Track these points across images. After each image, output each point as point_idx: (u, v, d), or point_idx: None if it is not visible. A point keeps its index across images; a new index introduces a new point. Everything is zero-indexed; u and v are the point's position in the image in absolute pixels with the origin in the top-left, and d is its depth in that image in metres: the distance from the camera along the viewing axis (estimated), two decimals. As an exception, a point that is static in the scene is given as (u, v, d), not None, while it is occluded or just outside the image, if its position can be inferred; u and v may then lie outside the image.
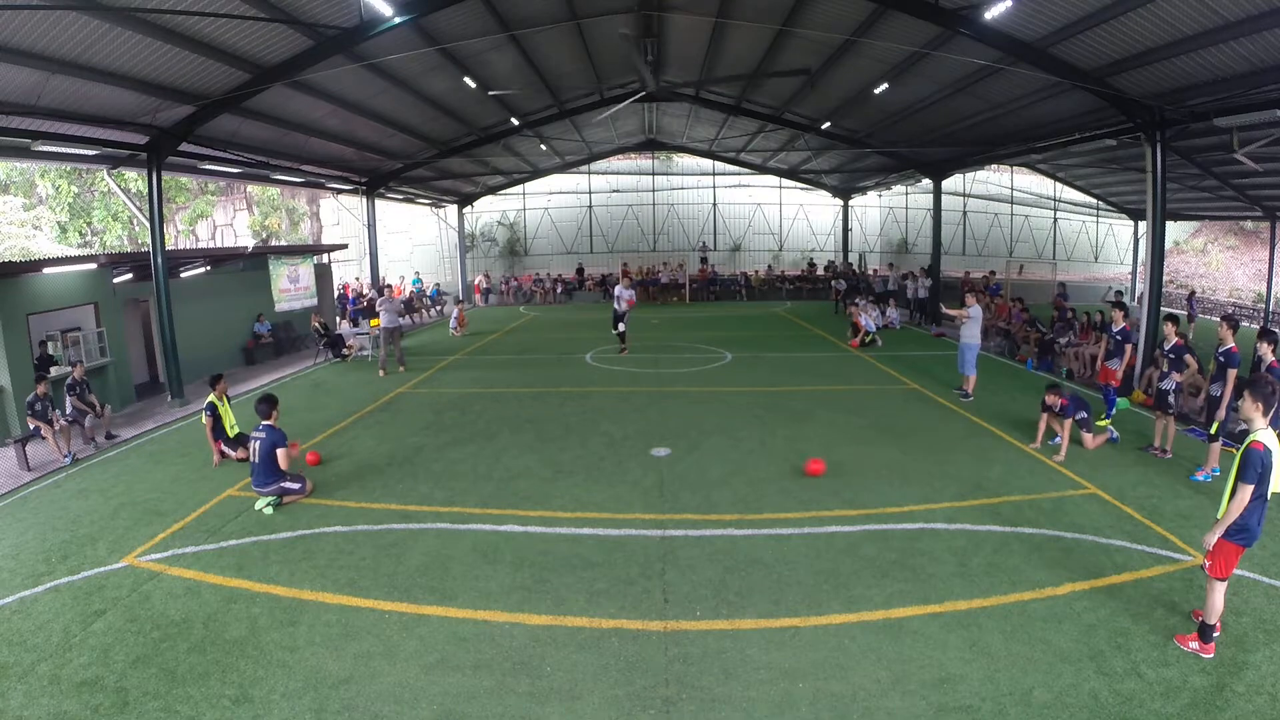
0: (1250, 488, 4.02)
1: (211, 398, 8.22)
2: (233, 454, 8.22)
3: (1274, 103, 9.31)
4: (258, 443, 6.81)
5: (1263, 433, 4.11)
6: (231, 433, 8.37)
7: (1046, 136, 14.66)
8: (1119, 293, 21.12)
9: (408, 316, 22.21)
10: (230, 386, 12.82)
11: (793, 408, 10.20)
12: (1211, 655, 4.18)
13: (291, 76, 11.10)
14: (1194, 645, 4.24)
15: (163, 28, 8.84)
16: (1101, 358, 9.55)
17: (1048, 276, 24.81)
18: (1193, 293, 23.35)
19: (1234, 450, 4.25)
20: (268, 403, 7.18)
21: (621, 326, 15.02)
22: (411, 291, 24.71)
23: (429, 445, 8.77)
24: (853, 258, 29.68)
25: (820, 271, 28.75)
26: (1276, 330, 7.39)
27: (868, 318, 16.25)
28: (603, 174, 29.93)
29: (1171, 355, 8.04)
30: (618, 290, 15.09)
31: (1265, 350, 7.04)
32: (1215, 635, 4.25)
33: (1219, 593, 4.18)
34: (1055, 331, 13.74)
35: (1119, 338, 9.00)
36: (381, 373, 13.57)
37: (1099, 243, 30.57)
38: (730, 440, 8.65)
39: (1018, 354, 14.43)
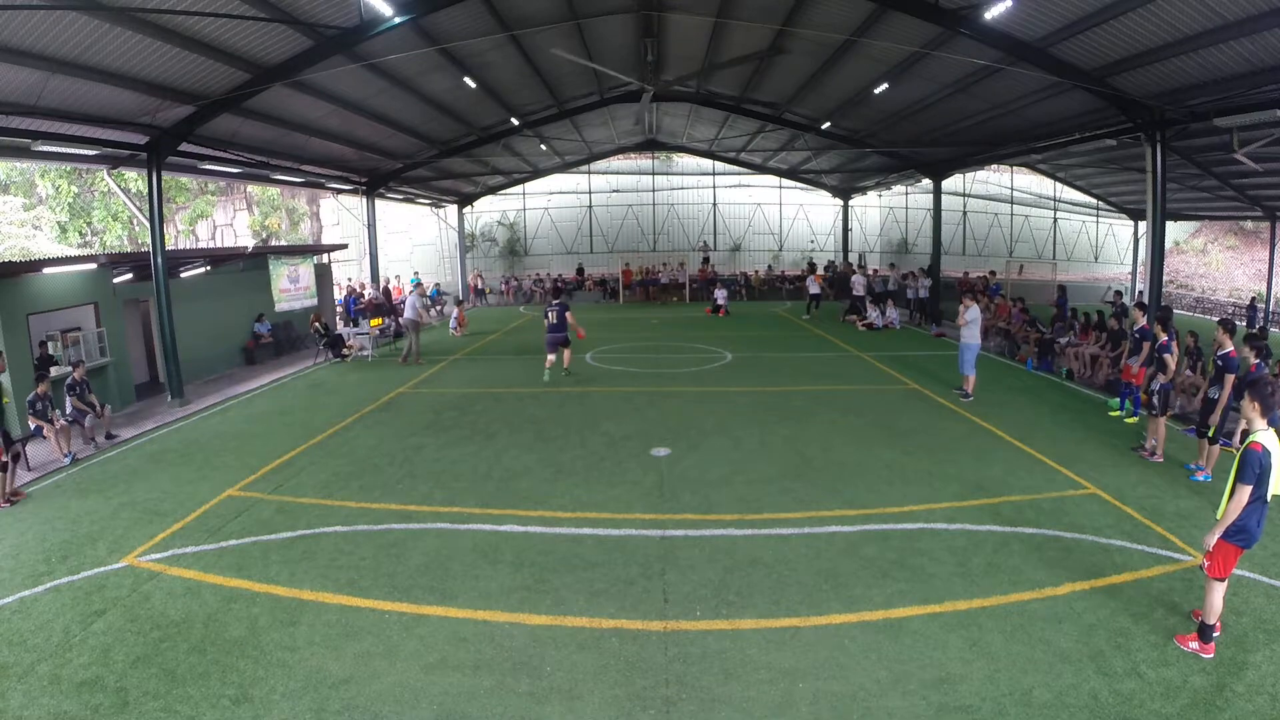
0: (1248, 488, 4.03)
1: None
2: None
3: (1274, 103, 9.32)
4: (555, 309, 12.11)
5: (1261, 433, 4.11)
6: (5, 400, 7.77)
7: (1046, 136, 14.66)
8: (1119, 293, 21.05)
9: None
10: (231, 386, 12.94)
11: (793, 407, 10.20)
12: (1211, 655, 4.18)
13: (291, 76, 11.10)
14: (1194, 645, 4.24)
15: (163, 28, 8.84)
16: (1125, 357, 9.60)
17: (1048, 276, 24.82)
18: (1254, 299, 22.34)
19: (1234, 450, 4.25)
20: (559, 291, 13.64)
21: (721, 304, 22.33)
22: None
23: (429, 445, 8.77)
24: (852, 257, 29.68)
25: (820, 271, 28.72)
26: (1234, 323, 7.60)
27: (815, 283, 22.14)
28: (603, 174, 29.93)
29: (1156, 354, 8.15)
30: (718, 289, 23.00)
31: (1249, 354, 7.19)
32: (1215, 635, 4.25)
33: (1218, 593, 4.18)
34: (1055, 331, 13.75)
35: (1138, 335, 9.03)
36: (419, 362, 14.67)
37: (1099, 243, 30.57)
38: (730, 440, 8.65)
39: (1018, 354, 14.43)
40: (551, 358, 12.24)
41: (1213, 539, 4.19)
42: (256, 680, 4.14)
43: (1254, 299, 22.19)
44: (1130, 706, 3.77)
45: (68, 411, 9.28)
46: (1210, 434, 7.26)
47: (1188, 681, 3.97)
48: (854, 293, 20.30)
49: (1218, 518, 4.22)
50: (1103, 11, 9.02)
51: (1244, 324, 18.85)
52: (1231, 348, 7.36)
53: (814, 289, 22.47)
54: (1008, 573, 5.25)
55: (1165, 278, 16.52)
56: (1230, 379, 7.22)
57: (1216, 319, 9.95)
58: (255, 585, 5.28)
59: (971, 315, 10.51)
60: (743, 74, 17.05)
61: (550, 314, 12.15)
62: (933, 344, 16.33)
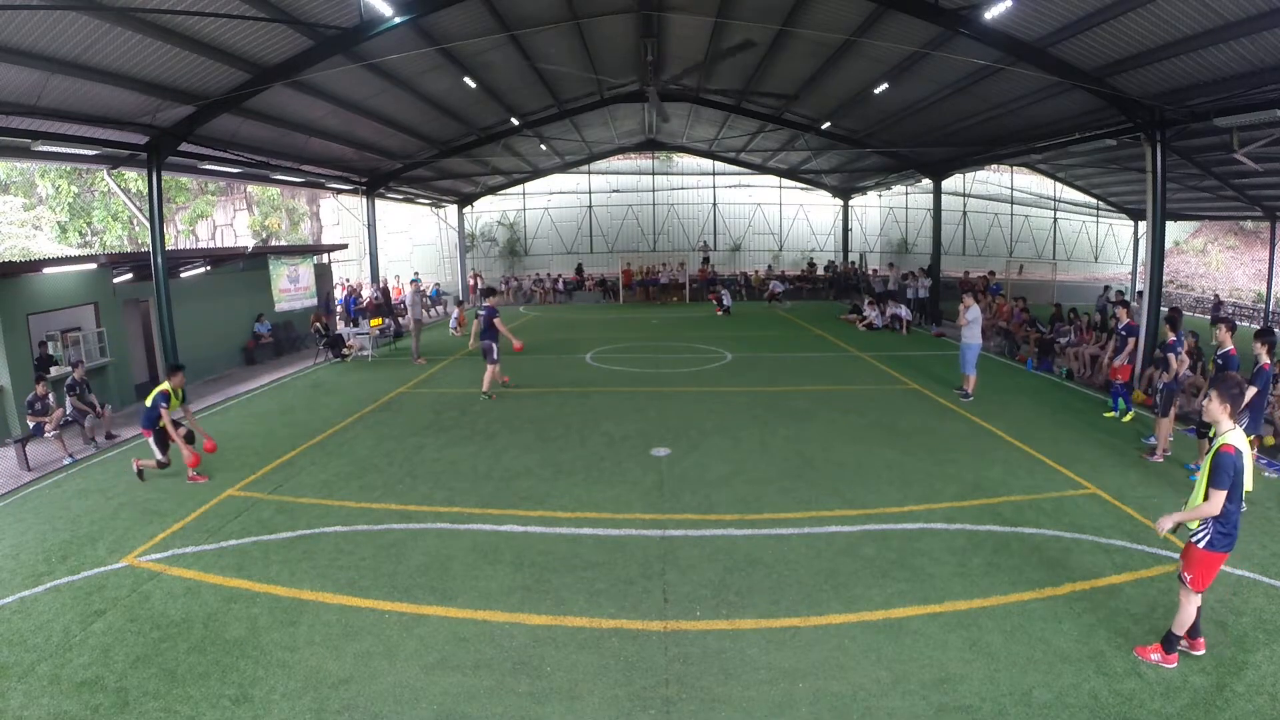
0: (1223, 494, 3.84)
1: (168, 386, 7.59)
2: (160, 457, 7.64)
3: (1274, 103, 9.31)
4: (483, 314, 10.93)
5: (1231, 434, 3.97)
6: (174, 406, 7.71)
7: (1046, 136, 14.65)
8: (1119, 292, 21.06)
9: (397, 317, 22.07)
10: (230, 386, 12.94)
11: (793, 407, 10.19)
12: (1175, 665, 4.07)
13: (291, 76, 11.09)
14: (1155, 657, 4.11)
15: (163, 28, 8.84)
16: (1110, 355, 9.59)
17: (1048, 276, 24.81)
18: (1218, 298, 22.48)
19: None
20: (490, 293, 12.38)
21: (726, 303, 22.50)
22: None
23: (429, 445, 8.76)
24: (853, 257, 29.67)
25: (820, 272, 28.75)
26: (1276, 330, 7.36)
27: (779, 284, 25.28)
28: (603, 174, 29.91)
29: (1161, 354, 8.12)
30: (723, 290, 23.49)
31: (1261, 351, 7.01)
32: (1181, 646, 4.13)
33: (1193, 605, 4.03)
34: (1055, 331, 13.75)
35: (1124, 333, 9.03)
36: (420, 361, 14.70)
37: (1099, 243, 30.56)
38: (730, 440, 8.65)
39: (1018, 354, 14.44)
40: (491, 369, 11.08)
41: (1169, 522, 4.03)
42: (256, 680, 4.14)
43: (1218, 299, 22.35)
44: (1130, 706, 3.77)
45: (68, 412, 9.28)
46: (1210, 434, 7.21)
47: (1188, 681, 3.97)
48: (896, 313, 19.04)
49: (1183, 505, 4.13)
50: (1102, 11, 9.01)
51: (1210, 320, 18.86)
52: (1231, 346, 7.31)
53: (778, 288, 25.91)
54: (1008, 573, 5.25)
55: (1165, 278, 16.45)
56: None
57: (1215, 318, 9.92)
58: (255, 585, 5.29)
59: (972, 315, 10.50)
60: (743, 73, 17.05)
61: (478, 319, 11.04)
62: (933, 344, 16.33)
